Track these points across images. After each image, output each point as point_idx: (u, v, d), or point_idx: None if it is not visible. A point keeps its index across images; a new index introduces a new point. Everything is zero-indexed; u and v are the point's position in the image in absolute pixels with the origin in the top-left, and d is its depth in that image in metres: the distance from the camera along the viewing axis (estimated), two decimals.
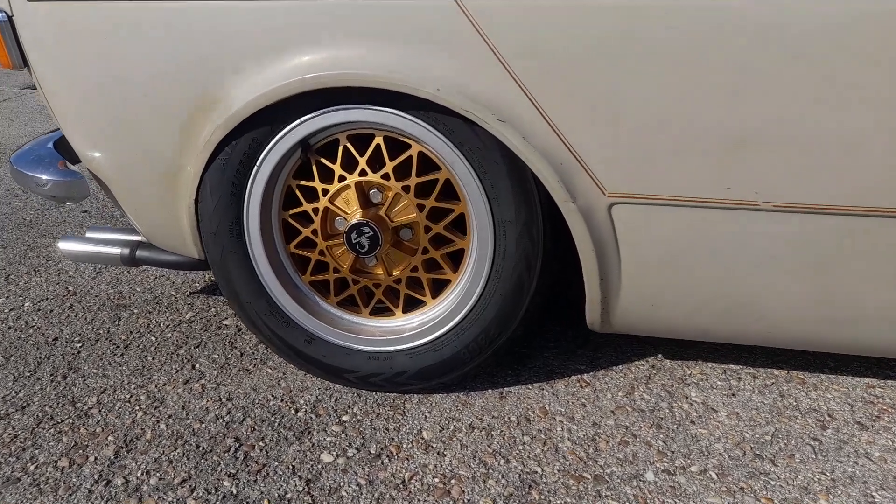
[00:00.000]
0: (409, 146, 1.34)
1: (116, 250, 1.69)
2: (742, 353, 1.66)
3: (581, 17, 1.11)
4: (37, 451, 1.35)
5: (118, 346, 1.72)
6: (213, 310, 1.88)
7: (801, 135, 1.12)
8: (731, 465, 1.30)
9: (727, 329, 1.35)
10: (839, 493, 1.24)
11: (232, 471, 1.30)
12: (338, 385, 1.54)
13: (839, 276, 1.23)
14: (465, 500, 1.23)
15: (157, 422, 1.43)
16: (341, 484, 1.27)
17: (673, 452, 1.34)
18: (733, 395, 1.51)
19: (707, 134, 1.15)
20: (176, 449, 1.36)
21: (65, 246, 1.73)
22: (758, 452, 1.34)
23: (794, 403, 1.48)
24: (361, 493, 1.25)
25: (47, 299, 1.96)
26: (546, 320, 1.82)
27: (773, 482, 1.26)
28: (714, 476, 1.28)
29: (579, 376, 1.58)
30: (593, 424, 1.42)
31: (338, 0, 1.19)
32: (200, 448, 1.36)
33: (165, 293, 1.98)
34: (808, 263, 1.23)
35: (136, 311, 1.89)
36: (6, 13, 1.38)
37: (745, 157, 1.15)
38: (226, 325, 1.80)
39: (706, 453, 1.34)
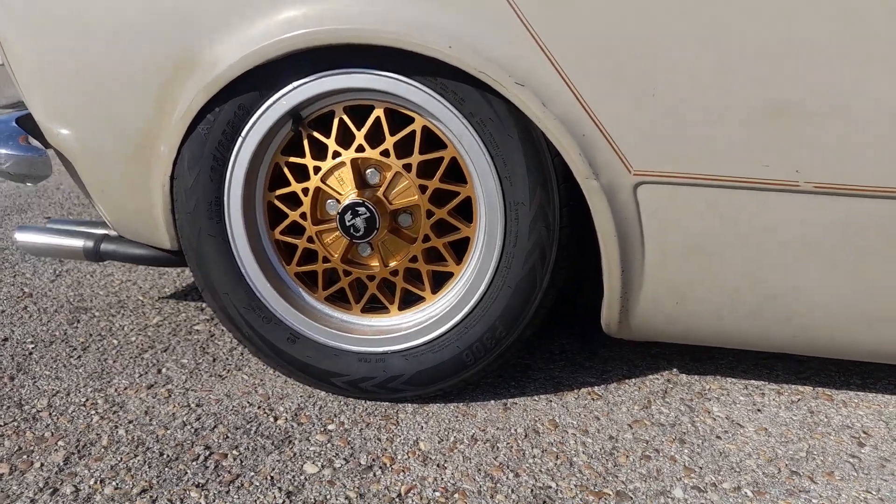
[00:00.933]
0: (411, 120, 1.21)
1: (79, 242, 1.52)
2: (763, 369, 1.52)
3: None
4: None
5: (75, 349, 1.53)
6: (183, 314, 1.71)
7: (850, 104, 1.01)
8: (767, 483, 1.16)
9: (760, 331, 1.22)
10: None
11: (201, 480, 1.12)
12: (322, 393, 1.38)
13: (888, 270, 1.11)
14: None
15: (116, 427, 1.25)
16: (328, 497, 1.09)
17: (701, 468, 1.19)
18: (759, 410, 1.37)
19: (744, 102, 1.03)
20: (136, 456, 1.18)
21: (22, 237, 1.56)
22: (794, 469, 1.20)
23: (825, 420, 1.34)
24: None
25: None
26: (549, 333, 1.67)
27: (814, 500, 1.12)
28: (749, 493, 1.13)
29: (590, 388, 1.43)
30: (609, 438, 1.27)
31: None
32: (165, 456, 1.18)
33: (131, 297, 1.81)
34: (852, 254, 1.11)
35: (97, 314, 1.71)
36: None
37: (785, 129, 1.04)
38: (197, 329, 1.63)
39: (737, 469, 1.19)
